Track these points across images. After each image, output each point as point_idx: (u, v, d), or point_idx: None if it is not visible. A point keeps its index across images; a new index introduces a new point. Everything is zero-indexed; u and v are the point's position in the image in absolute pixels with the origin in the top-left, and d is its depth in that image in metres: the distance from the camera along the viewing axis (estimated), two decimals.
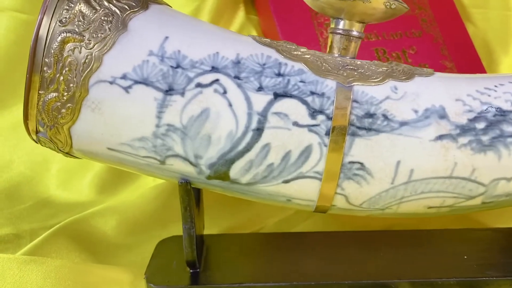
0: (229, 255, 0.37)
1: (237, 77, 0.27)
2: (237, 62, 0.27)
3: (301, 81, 0.27)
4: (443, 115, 0.28)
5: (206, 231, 0.40)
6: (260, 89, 0.27)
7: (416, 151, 0.28)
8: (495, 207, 0.31)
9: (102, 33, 0.26)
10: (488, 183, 0.29)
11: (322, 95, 0.27)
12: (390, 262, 0.35)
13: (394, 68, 0.29)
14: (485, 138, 0.28)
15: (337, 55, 0.30)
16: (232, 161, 0.28)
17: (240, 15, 0.59)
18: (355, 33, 0.30)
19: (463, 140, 0.28)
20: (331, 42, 0.30)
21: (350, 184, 0.29)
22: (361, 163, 0.28)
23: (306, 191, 0.29)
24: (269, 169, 0.28)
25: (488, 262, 0.34)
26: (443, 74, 0.30)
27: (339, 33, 0.30)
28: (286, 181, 0.29)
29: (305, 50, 0.29)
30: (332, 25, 0.30)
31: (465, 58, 0.64)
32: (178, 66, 0.27)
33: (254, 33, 0.60)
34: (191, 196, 0.30)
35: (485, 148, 0.28)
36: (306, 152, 0.28)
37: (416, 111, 0.28)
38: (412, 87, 0.28)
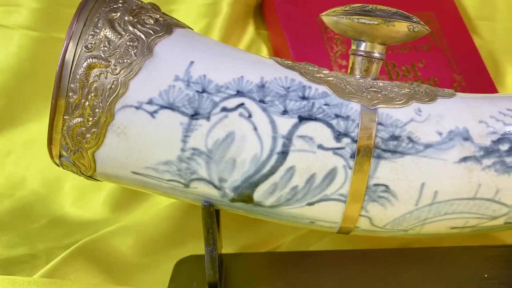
0: (247, 275, 0.37)
1: (262, 101, 0.27)
2: (261, 86, 0.27)
3: (326, 104, 0.27)
4: (467, 137, 0.28)
5: (223, 250, 0.40)
6: (285, 112, 0.27)
7: (441, 173, 0.28)
8: None
9: (128, 59, 0.27)
10: (511, 204, 0.29)
11: (347, 118, 0.27)
12: (409, 281, 0.35)
13: (417, 90, 0.30)
14: (509, 160, 0.28)
15: (359, 77, 0.30)
16: (256, 184, 0.28)
17: (250, 30, 0.59)
18: (376, 54, 0.30)
19: (487, 161, 0.28)
20: (353, 64, 0.30)
21: (375, 206, 0.29)
22: (386, 186, 0.28)
23: (330, 213, 0.29)
24: (293, 191, 0.28)
25: (509, 281, 0.34)
26: (465, 95, 0.30)
27: (361, 55, 0.30)
28: (311, 204, 0.29)
29: (327, 72, 0.30)
30: (354, 47, 0.30)
31: (473, 71, 0.65)
32: (204, 91, 0.27)
33: (264, 48, 0.60)
34: (213, 218, 0.30)
35: (509, 170, 0.28)
36: (331, 175, 0.28)
37: (440, 133, 0.28)
38: (435, 109, 0.28)
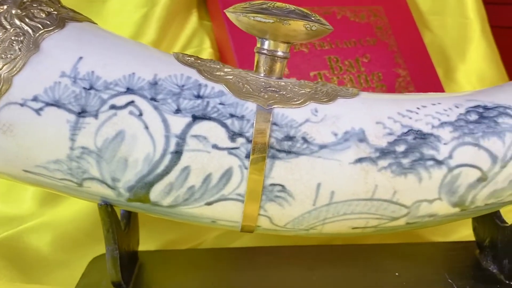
0: (163, 273, 0.36)
1: (153, 99, 0.26)
2: (154, 83, 0.27)
3: (221, 103, 0.27)
4: (362, 138, 0.28)
5: (142, 247, 0.39)
6: (178, 111, 0.26)
7: (336, 173, 0.28)
8: (421, 227, 0.31)
9: (11, 54, 0.25)
10: (411, 205, 0.29)
11: (242, 117, 0.27)
12: (323, 278, 0.35)
13: (318, 90, 0.29)
14: (405, 161, 0.28)
15: (262, 75, 0.30)
16: (151, 184, 0.27)
17: (193, 20, 0.58)
18: (280, 53, 0.29)
19: (383, 163, 0.28)
20: (257, 62, 0.30)
21: (273, 206, 0.28)
22: (282, 186, 0.28)
23: (229, 212, 0.29)
24: (190, 191, 0.28)
25: (418, 279, 0.34)
26: (369, 95, 0.30)
27: (264, 53, 0.29)
28: (209, 203, 0.28)
29: (229, 70, 0.29)
30: (258, 45, 0.30)
31: (420, 66, 0.65)
32: (91, 88, 0.26)
33: (207, 39, 0.59)
34: (112, 218, 0.29)
35: (405, 171, 0.28)
36: (227, 175, 0.27)
37: (335, 134, 0.27)
38: (333, 110, 0.28)
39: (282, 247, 0.39)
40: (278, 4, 0.28)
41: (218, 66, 0.29)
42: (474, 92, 0.31)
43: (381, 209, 0.29)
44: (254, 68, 0.30)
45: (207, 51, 0.57)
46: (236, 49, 0.54)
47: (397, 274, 0.34)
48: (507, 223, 0.34)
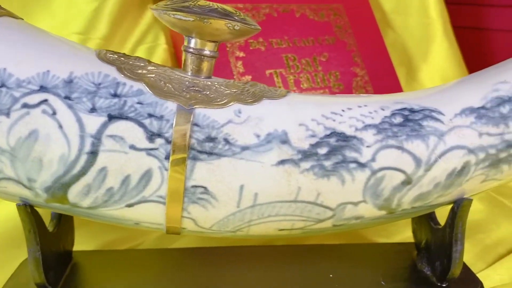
0: (98, 273, 0.36)
1: (68, 98, 0.26)
2: (69, 81, 0.26)
3: (139, 103, 0.26)
4: (285, 140, 0.27)
5: (80, 247, 0.38)
6: (93, 110, 0.26)
7: (259, 175, 0.27)
8: (349, 229, 0.31)
9: None
10: (335, 207, 0.29)
11: (161, 117, 0.26)
12: (257, 279, 0.34)
13: (245, 90, 0.29)
14: (327, 164, 0.28)
15: (189, 74, 0.29)
16: (68, 185, 0.27)
17: (148, 15, 0.57)
18: (207, 52, 0.29)
19: (305, 165, 0.27)
20: (184, 60, 0.29)
21: (196, 208, 0.28)
22: (205, 187, 0.27)
23: (151, 215, 0.28)
24: (109, 193, 0.27)
25: (351, 281, 0.34)
26: (297, 96, 0.29)
27: (191, 52, 0.29)
28: (130, 205, 0.28)
29: (153, 68, 0.28)
30: (185, 43, 0.29)
31: (378, 66, 0.65)
32: (2, 85, 0.25)
33: (162, 35, 0.59)
34: (32, 218, 0.28)
35: (328, 173, 0.28)
36: (147, 176, 0.27)
37: (258, 136, 0.27)
38: (257, 111, 0.28)
39: (220, 247, 0.38)
40: (201, 2, 0.27)
41: (142, 64, 0.28)
42: (404, 94, 0.30)
43: (306, 211, 0.29)
44: (182, 67, 0.30)
45: (161, 47, 0.57)
46: None
47: (331, 275, 0.34)
48: (440, 225, 0.34)
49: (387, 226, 0.44)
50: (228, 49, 0.55)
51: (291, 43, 0.59)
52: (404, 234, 0.43)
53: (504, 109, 0.28)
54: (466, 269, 0.36)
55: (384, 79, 0.63)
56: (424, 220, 0.35)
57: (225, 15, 0.27)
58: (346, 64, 0.61)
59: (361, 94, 0.31)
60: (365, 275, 0.35)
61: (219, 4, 0.28)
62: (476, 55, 0.80)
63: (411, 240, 0.40)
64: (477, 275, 0.37)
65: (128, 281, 0.35)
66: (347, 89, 0.60)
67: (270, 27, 0.58)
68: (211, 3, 0.28)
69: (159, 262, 0.37)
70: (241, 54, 0.55)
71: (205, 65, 0.29)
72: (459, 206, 0.30)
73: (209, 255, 0.38)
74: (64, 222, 0.35)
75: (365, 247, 0.40)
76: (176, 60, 0.57)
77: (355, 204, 0.29)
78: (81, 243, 0.39)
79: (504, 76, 0.29)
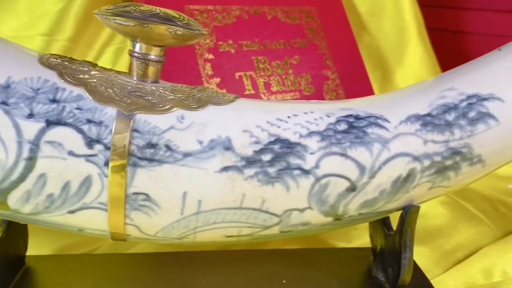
0: (50, 278, 0.35)
1: (4, 103, 0.25)
2: (6, 86, 0.25)
3: (78, 108, 0.26)
4: (228, 147, 0.27)
5: (35, 251, 0.38)
6: (30, 116, 0.25)
7: (202, 182, 0.27)
8: (298, 235, 0.31)
9: None
10: (281, 213, 0.28)
11: (100, 123, 0.26)
12: (209, 285, 0.34)
13: (191, 95, 0.29)
14: (271, 170, 0.27)
15: (135, 79, 0.29)
16: (7, 191, 0.26)
17: None
18: (152, 56, 0.28)
19: (249, 172, 0.27)
20: (130, 65, 0.29)
21: (138, 215, 0.28)
22: (146, 194, 0.27)
23: (95, 221, 0.28)
24: (49, 199, 0.27)
25: (304, 286, 0.34)
26: (244, 102, 0.29)
27: (136, 57, 0.28)
28: (72, 212, 0.27)
29: (97, 72, 0.28)
30: (131, 47, 0.29)
31: (350, 69, 0.65)
32: None
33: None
34: None
35: (272, 180, 0.27)
36: (87, 182, 0.27)
37: (201, 142, 0.27)
38: (201, 117, 0.27)
39: (176, 253, 0.38)
40: (144, 6, 0.27)
41: (86, 69, 0.28)
42: (353, 100, 0.30)
43: (251, 218, 0.28)
44: (128, 72, 0.30)
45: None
46: None
47: (284, 281, 0.34)
48: (393, 230, 0.34)
49: (348, 230, 0.44)
50: (196, 51, 0.54)
51: (261, 45, 0.59)
52: (365, 238, 0.43)
53: (450, 117, 0.28)
54: (420, 275, 0.36)
55: (356, 82, 0.63)
56: (378, 225, 0.35)
57: (167, 20, 0.26)
58: (317, 67, 0.61)
59: (311, 100, 0.31)
60: (318, 280, 0.35)
61: (162, 9, 0.27)
62: (452, 57, 0.81)
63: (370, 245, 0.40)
64: (433, 280, 0.37)
65: (80, 286, 0.34)
66: (318, 92, 0.60)
67: (241, 29, 0.58)
68: (154, 7, 0.27)
69: (115, 268, 0.36)
70: (210, 56, 0.55)
71: (151, 70, 0.29)
72: (407, 213, 0.30)
73: (164, 261, 0.38)
74: (15, 227, 0.34)
75: (323, 252, 0.39)
76: None
77: (301, 210, 0.28)
78: (37, 247, 0.38)
79: (452, 83, 0.29)
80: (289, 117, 0.28)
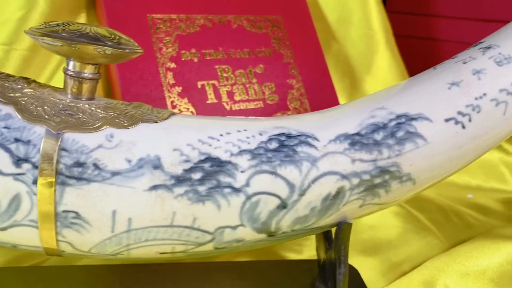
0: None
1: None
2: None
3: (6, 127, 0.26)
4: (157, 165, 0.27)
5: None
6: None
7: (131, 201, 0.27)
8: (233, 251, 0.31)
9: None
10: (214, 231, 0.29)
11: (28, 142, 0.26)
12: None
13: (124, 113, 0.29)
14: (202, 189, 0.28)
15: (69, 97, 0.29)
16: None
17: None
18: (86, 74, 0.28)
19: (179, 190, 0.27)
20: (65, 83, 0.29)
21: (70, 232, 0.28)
22: (76, 212, 0.27)
23: (27, 238, 0.28)
24: None
25: None
26: (178, 120, 0.29)
27: (69, 75, 0.28)
28: (3, 229, 0.27)
29: (29, 90, 0.28)
30: (65, 65, 0.29)
31: (316, 78, 0.65)
32: None
33: None
34: None
35: (203, 199, 0.28)
36: (16, 201, 0.27)
37: (129, 161, 0.27)
38: (130, 135, 0.28)
39: (124, 265, 0.38)
40: (74, 25, 0.27)
41: (19, 86, 0.28)
42: (288, 118, 0.31)
43: (184, 235, 0.29)
44: (64, 89, 0.30)
45: None
46: None
47: None
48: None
49: (299, 241, 0.44)
50: (158, 59, 0.55)
51: (225, 54, 0.59)
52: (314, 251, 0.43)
53: (378, 136, 0.29)
54: (362, 287, 0.37)
55: (321, 91, 0.64)
56: (321, 238, 0.36)
57: (95, 39, 0.26)
58: (282, 76, 0.61)
59: (250, 117, 0.32)
60: None
61: (93, 28, 0.28)
62: (422, 64, 0.81)
63: None
64: None
65: None
66: (282, 101, 0.60)
67: (205, 38, 0.58)
68: (84, 26, 0.27)
69: (63, 280, 0.37)
70: (172, 65, 0.55)
71: (85, 87, 0.29)
72: (340, 230, 0.30)
73: (112, 273, 0.38)
74: None
75: (271, 264, 0.40)
76: (108, 71, 0.56)
77: (233, 228, 0.29)
78: None
79: (383, 102, 0.30)
80: (221, 135, 0.28)
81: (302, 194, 0.28)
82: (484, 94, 0.28)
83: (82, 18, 0.57)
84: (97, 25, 0.29)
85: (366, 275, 0.39)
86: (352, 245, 0.43)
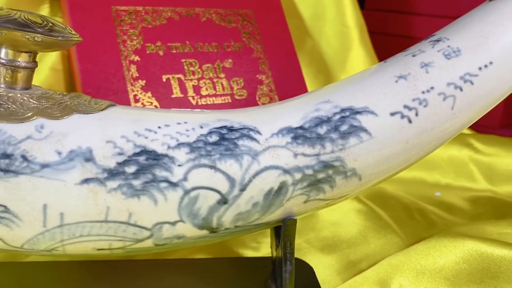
0: None
1: None
2: None
3: None
4: (89, 158, 0.26)
5: None
6: None
7: (62, 194, 0.26)
8: (174, 248, 0.30)
9: None
10: (151, 227, 0.28)
11: None
12: None
13: (58, 103, 0.28)
14: (136, 183, 0.26)
15: (2, 86, 0.28)
16: None
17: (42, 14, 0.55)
18: (20, 63, 0.27)
19: (112, 184, 0.26)
20: None
21: (0, 227, 0.27)
22: (5, 206, 0.26)
23: None
24: None
25: None
26: (115, 111, 0.28)
27: (2, 63, 0.27)
28: None
29: None
30: None
31: (286, 74, 0.64)
32: None
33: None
34: None
35: (138, 193, 0.27)
36: None
37: (60, 153, 0.26)
38: (62, 126, 0.26)
39: (72, 262, 0.37)
40: (2, 11, 0.26)
41: None
42: (233, 111, 0.30)
43: (120, 231, 0.28)
44: None
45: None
46: (78, 50, 0.52)
47: None
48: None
49: (256, 237, 0.43)
50: (122, 52, 0.53)
51: (193, 48, 0.58)
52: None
53: (322, 130, 0.28)
54: (315, 286, 0.36)
55: (291, 87, 0.63)
56: (273, 235, 0.35)
57: (24, 26, 0.25)
58: (251, 71, 0.60)
59: (195, 110, 0.30)
60: None
61: (24, 13, 0.26)
62: None
63: None
64: None
65: None
66: (251, 96, 0.59)
67: (171, 31, 0.57)
68: (14, 12, 0.26)
69: (9, 276, 0.35)
70: (136, 58, 0.54)
71: (20, 76, 0.28)
72: (285, 226, 0.29)
73: (61, 270, 0.37)
74: None
75: (226, 261, 0.39)
76: (70, 63, 0.55)
77: (172, 223, 0.28)
78: None
79: (329, 95, 0.29)
80: (159, 127, 0.27)
81: (243, 189, 0.27)
82: (432, 88, 0.28)
83: (45, 10, 0.55)
84: (31, 12, 0.28)
85: (322, 273, 0.38)
86: (312, 242, 0.42)
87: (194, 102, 0.55)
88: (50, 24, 0.27)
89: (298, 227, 0.41)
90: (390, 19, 0.90)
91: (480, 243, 0.37)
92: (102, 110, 0.28)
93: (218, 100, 0.57)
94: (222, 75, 0.59)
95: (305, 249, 0.42)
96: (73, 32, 0.28)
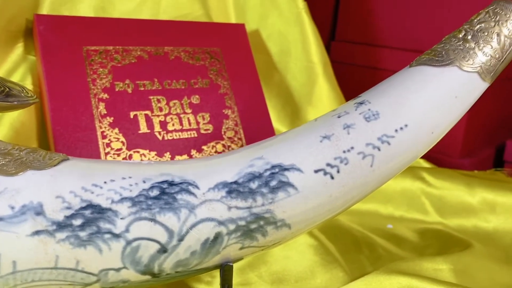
0: None
1: None
2: None
3: None
4: (40, 212, 0.29)
5: None
6: None
7: (15, 245, 0.29)
8: None
9: None
10: (98, 273, 0.30)
11: None
12: None
13: (14, 159, 0.30)
14: (82, 234, 0.29)
15: None
16: None
17: (17, 53, 0.58)
18: None
19: (61, 235, 0.29)
20: None
21: None
22: None
23: None
24: None
25: None
26: (67, 165, 0.31)
27: None
28: None
29: None
30: None
31: (252, 108, 0.67)
32: None
33: (29, 75, 0.59)
34: None
35: (84, 243, 0.29)
36: None
37: (12, 207, 0.29)
38: (16, 182, 0.29)
39: None
40: None
41: None
42: (176, 163, 0.32)
43: (69, 277, 0.30)
44: None
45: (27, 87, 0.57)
46: (49, 88, 0.54)
47: None
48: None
49: (212, 272, 0.46)
50: (91, 90, 0.56)
51: (161, 85, 0.61)
52: None
53: (254, 185, 0.31)
54: None
55: (256, 121, 0.66)
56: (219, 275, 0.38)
57: None
58: (217, 106, 0.63)
59: (140, 162, 0.33)
60: None
61: None
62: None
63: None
64: None
65: None
66: (217, 131, 0.62)
67: (140, 69, 0.60)
68: None
69: None
70: (105, 96, 0.57)
71: None
72: (222, 271, 0.32)
73: None
74: None
75: None
76: (41, 100, 0.57)
77: (117, 270, 0.30)
78: None
79: (263, 152, 0.32)
80: (105, 182, 0.30)
81: (181, 239, 0.30)
82: (352, 148, 0.31)
83: (19, 48, 0.58)
84: None
85: None
86: (263, 277, 0.45)
87: (160, 138, 0.58)
88: (7, 89, 0.29)
89: (251, 260, 0.43)
90: (358, 51, 0.94)
91: (413, 280, 0.40)
92: (54, 166, 0.31)
93: (184, 135, 0.60)
94: (189, 111, 0.62)
95: (256, 283, 0.44)
96: (30, 95, 0.31)
